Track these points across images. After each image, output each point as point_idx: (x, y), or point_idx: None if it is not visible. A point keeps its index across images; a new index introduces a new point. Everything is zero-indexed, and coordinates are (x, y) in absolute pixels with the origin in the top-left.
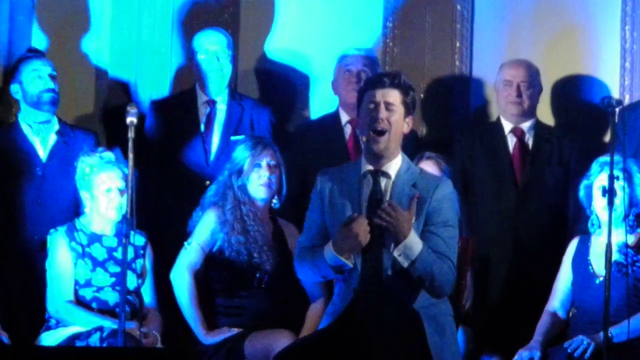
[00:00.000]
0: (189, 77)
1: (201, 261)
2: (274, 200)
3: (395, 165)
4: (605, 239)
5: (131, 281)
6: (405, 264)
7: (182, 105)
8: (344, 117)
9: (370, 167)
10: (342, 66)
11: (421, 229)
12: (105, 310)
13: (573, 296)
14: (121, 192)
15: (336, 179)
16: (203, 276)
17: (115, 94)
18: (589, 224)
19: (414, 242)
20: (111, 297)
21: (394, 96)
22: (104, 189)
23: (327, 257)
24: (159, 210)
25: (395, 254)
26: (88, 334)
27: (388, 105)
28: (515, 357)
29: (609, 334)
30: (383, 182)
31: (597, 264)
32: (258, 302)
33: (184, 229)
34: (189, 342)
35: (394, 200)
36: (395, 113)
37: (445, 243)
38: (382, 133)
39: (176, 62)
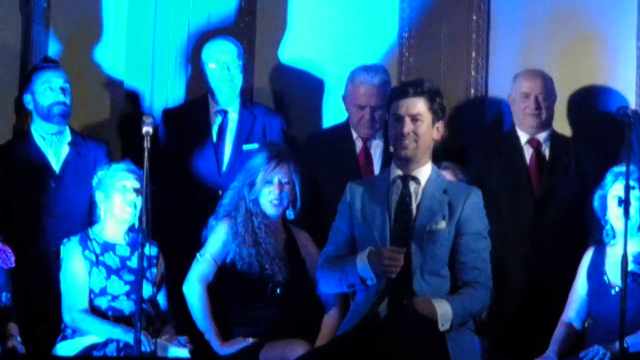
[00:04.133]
0: (205, 87)
1: (214, 273)
2: (288, 211)
3: (425, 171)
4: (620, 249)
5: (146, 290)
6: (448, 327)
7: (193, 114)
8: (355, 133)
9: (400, 172)
10: (352, 94)
11: (453, 236)
12: (120, 318)
13: (589, 306)
14: (136, 191)
15: (366, 188)
16: (216, 287)
17: (131, 104)
18: (604, 234)
19: (444, 310)
20: (126, 305)
21: (419, 106)
22: (119, 186)
23: (359, 266)
24: (172, 221)
25: (440, 327)
26: (105, 344)
27: (413, 117)
28: None
29: (625, 344)
30: (412, 186)
31: (613, 274)
32: (272, 312)
33: (197, 239)
34: (204, 352)
35: (424, 205)
36: (423, 123)
37: (480, 256)
38: (409, 142)
39: (192, 73)
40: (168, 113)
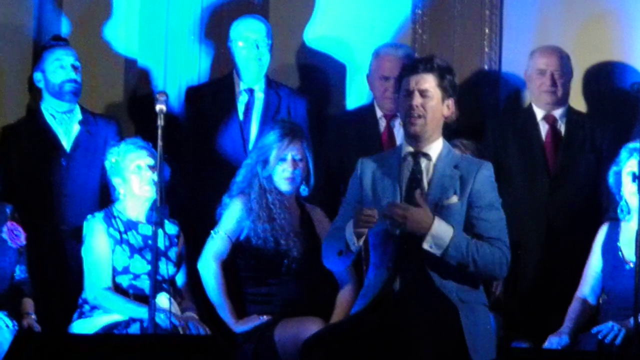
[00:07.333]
0: (219, 65)
1: (228, 250)
2: (302, 188)
3: (436, 147)
4: (635, 225)
5: (167, 269)
6: (438, 253)
7: (219, 92)
8: (379, 112)
9: (411, 149)
10: (377, 67)
11: (465, 210)
12: (140, 297)
13: (603, 282)
14: (151, 168)
15: (377, 164)
16: (231, 265)
17: (145, 83)
18: (619, 210)
19: (442, 230)
20: (147, 285)
21: (428, 82)
22: (134, 168)
23: (347, 232)
24: (195, 199)
25: (425, 246)
26: (127, 323)
27: (422, 92)
28: (546, 343)
29: (639, 320)
30: (423, 163)
31: (627, 250)
32: (287, 289)
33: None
34: (219, 330)
35: (435, 180)
36: (432, 99)
37: (494, 226)
38: (417, 118)
39: (205, 50)
40: (192, 91)
